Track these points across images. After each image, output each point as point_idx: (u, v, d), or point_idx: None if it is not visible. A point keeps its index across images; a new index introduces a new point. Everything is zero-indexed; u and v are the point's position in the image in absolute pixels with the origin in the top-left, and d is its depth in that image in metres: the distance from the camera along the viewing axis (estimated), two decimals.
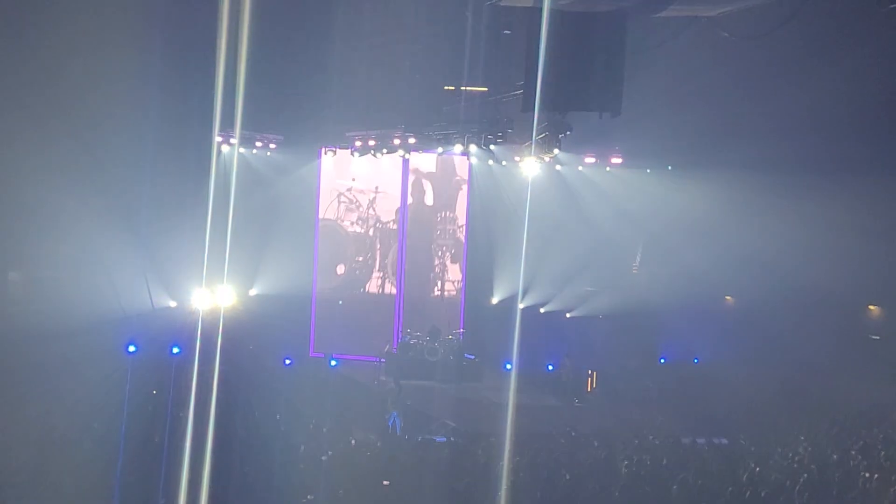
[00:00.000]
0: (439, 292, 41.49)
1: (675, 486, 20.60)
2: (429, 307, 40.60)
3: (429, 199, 41.34)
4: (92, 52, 31.93)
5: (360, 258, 41.24)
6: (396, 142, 37.72)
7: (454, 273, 41.39)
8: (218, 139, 36.08)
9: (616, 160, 39.77)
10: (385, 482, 21.25)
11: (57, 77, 32.47)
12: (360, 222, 41.16)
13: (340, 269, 41.11)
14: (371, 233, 41.31)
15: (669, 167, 38.89)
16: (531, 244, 37.24)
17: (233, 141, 37.20)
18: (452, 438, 27.30)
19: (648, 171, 39.87)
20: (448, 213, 41.45)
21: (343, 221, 41.14)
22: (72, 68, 32.29)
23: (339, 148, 39.39)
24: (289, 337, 37.39)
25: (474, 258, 40.86)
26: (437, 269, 41.58)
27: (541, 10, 21.20)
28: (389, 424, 29.60)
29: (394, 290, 40.82)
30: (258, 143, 39.15)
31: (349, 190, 40.95)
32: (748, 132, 35.69)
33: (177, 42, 33.22)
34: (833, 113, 34.35)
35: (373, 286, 41.25)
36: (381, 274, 41.30)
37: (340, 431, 25.81)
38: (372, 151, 38.96)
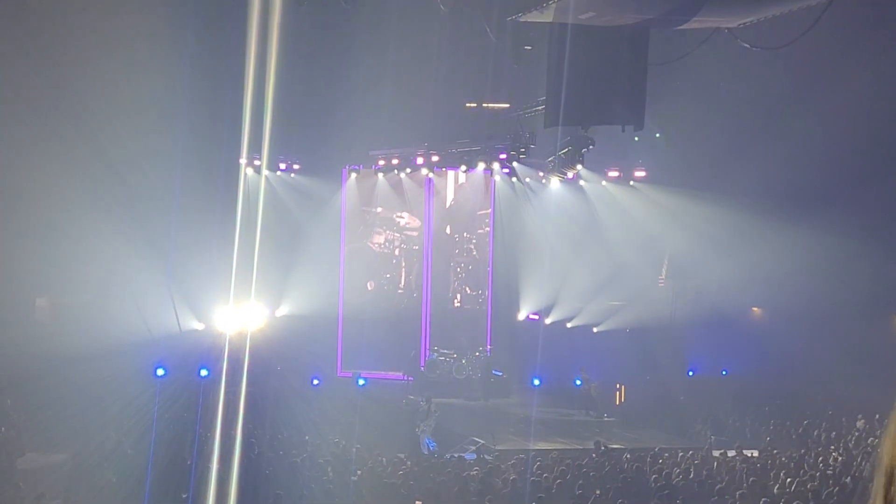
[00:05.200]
0: (464, 308, 41.35)
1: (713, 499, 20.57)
2: (455, 324, 40.44)
3: (453, 217, 41.23)
4: (121, 76, 32.17)
5: (388, 275, 41.20)
6: (420, 160, 37.78)
7: (480, 289, 41.25)
8: (242, 162, 36.25)
9: (640, 174, 39.58)
10: (418, 502, 21.22)
11: (84, 101, 32.70)
12: (386, 243, 41.10)
13: (370, 286, 41.07)
14: (397, 252, 41.24)
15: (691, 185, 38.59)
16: (556, 259, 37.24)
17: (257, 163, 37.33)
18: (482, 455, 27.26)
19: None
20: (472, 231, 41.30)
21: (370, 241, 41.10)
22: (100, 93, 32.50)
23: (363, 167, 39.50)
24: (316, 357, 37.36)
25: (500, 274, 40.67)
26: (462, 286, 41.45)
27: (562, 24, 21.11)
28: (422, 445, 29.53)
29: (420, 309, 40.70)
30: (282, 166, 39.24)
31: (375, 210, 40.88)
32: (767, 149, 35.56)
33: (204, 67, 33.40)
34: (850, 128, 34.27)
35: (399, 304, 41.16)
36: (407, 292, 41.24)
37: (370, 451, 25.79)
38: (395, 170, 39.07)
